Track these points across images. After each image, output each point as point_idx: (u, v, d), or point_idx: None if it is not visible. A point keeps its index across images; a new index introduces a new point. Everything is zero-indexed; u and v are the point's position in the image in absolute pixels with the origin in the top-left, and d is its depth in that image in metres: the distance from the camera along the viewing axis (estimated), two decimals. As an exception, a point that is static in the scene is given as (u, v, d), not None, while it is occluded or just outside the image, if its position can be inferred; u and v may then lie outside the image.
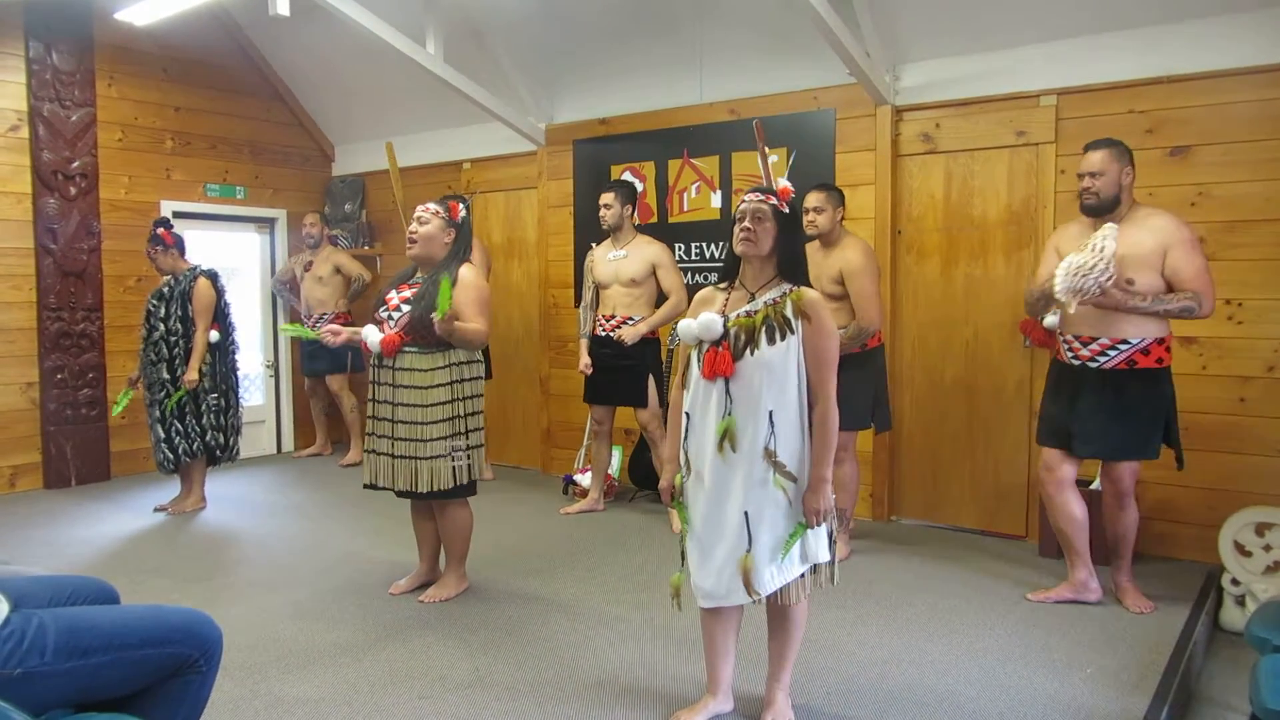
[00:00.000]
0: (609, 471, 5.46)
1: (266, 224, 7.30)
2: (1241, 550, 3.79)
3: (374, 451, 3.68)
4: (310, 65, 6.97)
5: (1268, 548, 3.76)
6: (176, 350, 5.08)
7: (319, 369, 6.73)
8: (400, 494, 3.68)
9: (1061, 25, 4.39)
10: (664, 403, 5.02)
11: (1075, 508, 3.68)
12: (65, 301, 6.00)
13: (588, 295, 5.16)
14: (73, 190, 6.00)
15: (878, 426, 4.37)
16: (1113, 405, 3.51)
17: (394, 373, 3.60)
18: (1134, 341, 3.46)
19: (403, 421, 3.58)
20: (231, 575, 4.18)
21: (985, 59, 4.62)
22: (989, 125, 4.66)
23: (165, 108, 6.57)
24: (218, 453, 5.26)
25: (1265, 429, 4.05)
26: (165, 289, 5.11)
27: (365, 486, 3.74)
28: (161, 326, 5.07)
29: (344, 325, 6.45)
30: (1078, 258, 3.30)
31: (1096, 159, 3.51)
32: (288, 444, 7.39)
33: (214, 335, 5.15)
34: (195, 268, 5.17)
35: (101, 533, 4.90)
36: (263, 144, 7.18)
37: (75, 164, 6.01)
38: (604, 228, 5.02)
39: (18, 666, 1.72)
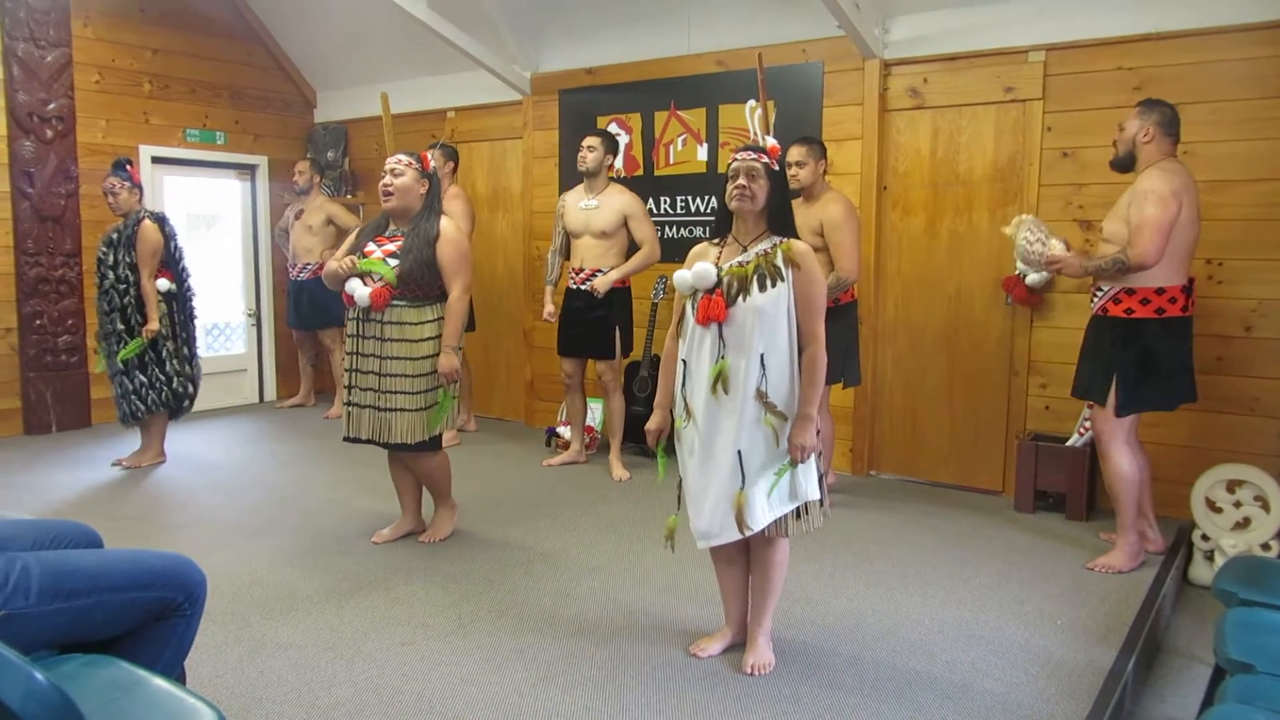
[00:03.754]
0: (590, 424, 5.49)
1: (248, 171, 7.20)
2: (1212, 506, 3.86)
3: (358, 405, 3.68)
4: (291, 8, 6.83)
5: (1238, 504, 3.83)
6: (128, 299, 4.82)
7: (309, 323, 6.65)
8: (387, 446, 3.70)
9: (1053, -20, 4.35)
10: (626, 353, 5.05)
11: (1111, 457, 3.65)
12: (43, 247, 5.92)
13: (557, 240, 5.12)
14: (49, 133, 5.89)
15: (846, 381, 4.41)
16: (1085, 347, 3.73)
17: (382, 326, 3.60)
18: (1105, 289, 3.59)
19: (391, 375, 3.59)
20: (214, 522, 4.19)
21: (975, 12, 4.58)
22: (977, 81, 4.63)
23: (143, 49, 6.44)
24: (185, 403, 5.05)
25: (1241, 388, 4.10)
26: (114, 234, 4.88)
27: (345, 440, 3.75)
28: (111, 275, 4.82)
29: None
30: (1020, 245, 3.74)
31: (1127, 116, 3.60)
32: (270, 393, 7.37)
33: (165, 284, 4.88)
34: (140, 211, 4.90)
35: (83, 479, 4.89)
36: (243, 89, 7.05)
37: (51, 106, 5.89)
38: (581, 169, 4.90)
39: (2, 608, 1.72)
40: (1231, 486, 3.86)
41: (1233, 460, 3.94)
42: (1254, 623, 2.27)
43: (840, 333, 4.21)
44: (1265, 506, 3.76)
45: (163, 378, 4.95)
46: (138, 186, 4.92)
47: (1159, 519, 4.08)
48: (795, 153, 4.21)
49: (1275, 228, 3.99)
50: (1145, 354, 3.55)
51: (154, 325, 4.83)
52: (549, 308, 5.11)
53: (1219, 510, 3.85)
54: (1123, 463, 3.62)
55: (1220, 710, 1.86)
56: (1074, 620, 3.17)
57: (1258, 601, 2.40)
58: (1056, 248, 3.68)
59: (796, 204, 4.15)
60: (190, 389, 5.06)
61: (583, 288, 4.95)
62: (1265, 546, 3.72)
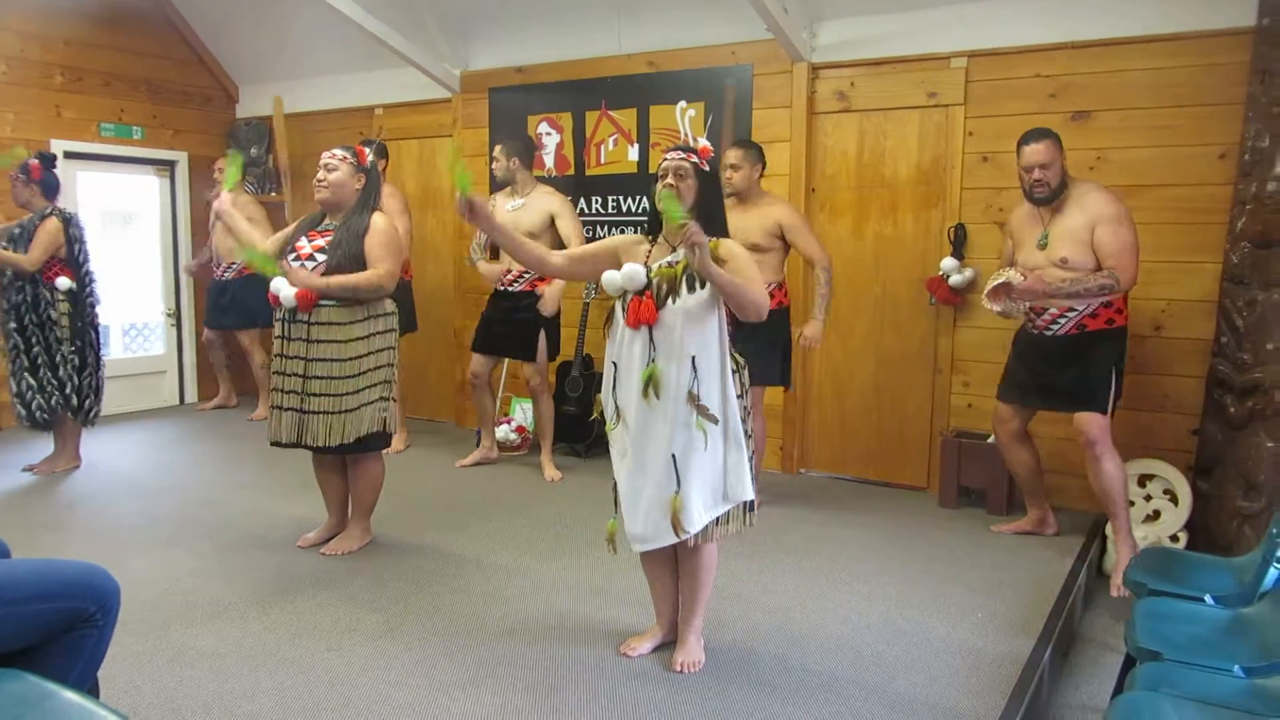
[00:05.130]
0: (523, 424, 5.47)
1: (166, 167, 6.99)
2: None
3: (283, 408, 3.58)
4: None
5: (1148, 498, 3.99)
6: (22, 297, 4.65)
7: (228, 323, 6.48)
8: (316, 450, 3.62)
9: (974, -12, 4.46)
10: (554, 355, 5.07)
11: (1026, 454, 4.01)
12: (-56, 246, 5.65)
13: (481, 237, 5.13)
14: (-49, 126, 5.64)
15: (785, 383, 4.46)
16: (1064, 364, 3.73)
17: (309, 327, 3.50)
18: (1079, 309, 3.67)
19: (318, 377, 3.50)
20: (132, 529, 4.06)
21: (900, 19, 4.67)
22: (902, 85, 4.72)
23: (54, 40, 6.19)
24: (87, 410, 4.85)
25: (1152, 386, 4.26)
26: (16, 229, 4.69)
27: (272, 444, 3.66)
28: (9, 271, 4.66)
29: (250, 276, 6.31)
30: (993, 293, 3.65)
31: (1042, 150, 3.60)
32: (190, 395, 7.16)
33: (65, 282, 4.68)
34: (48, 208, 4.72)
35: (-10, 487, 4.70)
36: (161, 82, 6.83)
37: (-47, 97, 5.64)
38: (496, 180, 5.04)
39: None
40: (1143, 480, 4.02)
41: (1144, 455, 4.09)
42: (1162, 612, 2.37)
43: (775, 336, 4.26)
44: (1174, 500, 3.92)
45: (55, 383, 4.73)
46: (35, 181, 4.70)
47: (1075, 512, 4.24)
48: (732, 155, 4.23)
49: (1182, 231, 4.15)
50: (1123, 356, 3.75)
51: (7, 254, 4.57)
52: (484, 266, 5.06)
53: (1131, 504, 4.00)
54: (1116, 463, 3.66)
55: (1129, 697, 1.93)
56: (994, 613, 3.26)
57: (1166, 591, 2.50)
58: (1014, 276, 3.60)
59: (731, 208, 4.17)
60: (83, 399, 4.81)
61: (510, 289, 4.93)
62: (1174, 538, 3.87)
